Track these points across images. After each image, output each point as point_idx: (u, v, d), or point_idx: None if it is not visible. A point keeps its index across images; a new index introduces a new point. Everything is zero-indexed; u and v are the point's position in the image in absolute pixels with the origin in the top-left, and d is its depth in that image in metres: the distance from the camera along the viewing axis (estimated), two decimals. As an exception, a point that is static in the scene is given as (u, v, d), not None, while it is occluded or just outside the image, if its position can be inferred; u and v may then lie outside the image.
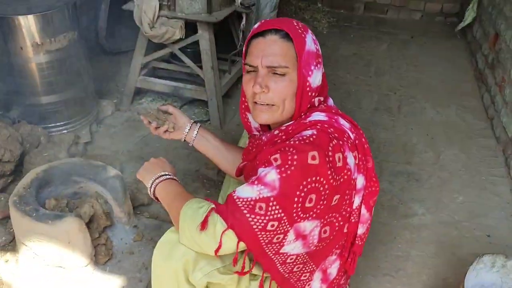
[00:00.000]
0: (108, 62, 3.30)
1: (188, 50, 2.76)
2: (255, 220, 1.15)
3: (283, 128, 1.32)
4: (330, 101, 1.40)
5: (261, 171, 1.19)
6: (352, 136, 1.28)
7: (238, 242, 1.18)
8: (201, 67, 2.68)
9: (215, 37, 2.64)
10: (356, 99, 3.20)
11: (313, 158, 1.16)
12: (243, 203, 1.16)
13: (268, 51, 1.26)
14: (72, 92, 2.41)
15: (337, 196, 1.23)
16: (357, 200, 1.32)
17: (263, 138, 1.40)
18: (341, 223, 1.30)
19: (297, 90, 1.28)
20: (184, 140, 1.62)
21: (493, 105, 2.96)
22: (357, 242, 1.39)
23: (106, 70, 3.21)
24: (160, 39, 2.54)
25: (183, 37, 2.58)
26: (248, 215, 1.15)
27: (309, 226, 1.22)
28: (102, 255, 1.85)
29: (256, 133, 1.51)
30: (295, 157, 1.16)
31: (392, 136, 2.85)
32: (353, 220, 1.34)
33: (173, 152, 2.56)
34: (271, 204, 1.15)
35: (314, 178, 1.16)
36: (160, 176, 1.45)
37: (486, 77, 3.20)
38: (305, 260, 1.31)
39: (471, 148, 2.76)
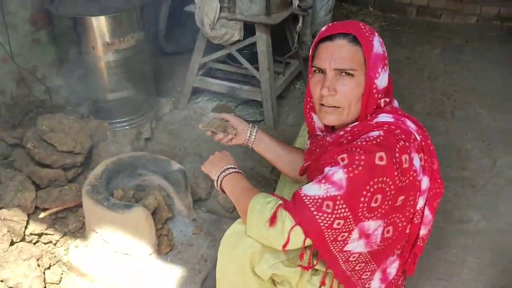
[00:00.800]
0: (166, 63, 3.43)
1: (245, 51, 2.83)
2: (322, 218, 1.19)
3: (348, 129, 1.35)
4: (395, 103, 1.42)
5: (328, 170, 1.23)
6: (418, 137, 1.30)
7: (305, 239, 1.22)
8: (257, 68, 2.75)
9: (271, 38, 2.70)
10: (409, 103, 3.18)
11: (381, 159, 1.18)
12: (311, 200, 1.20)
13: (336, 55, 1.30)
14: (136, 90, 2.53)
15: (402, 197, 1.25)
16: (421, 202, 1.33)
17: (327, 138, 1.43)
18: (404, 223, 1.32)
19: (364, 92, 1.31)
20: (243, 144, 1.69)
21: (554, 113, 2.88)
22: (418, 243, 1.40)
23: (164, 70, 3.34)
24: (220, 40, 2.63)
25: (241, 39, 2.66)
26: (315, 212, 1.19)
27: (373, 226, 1.25)
28: (164, 245, 1.94)
29: (320, 133, 1.54)
30: (363, 157, 1.19)
31: (446, 141, 2.82)
32: (416, 221, 1.35)
33: (229, 150, 2.60)
34: (338, 202, 1.18)
35: (381, 179, 1.18)
36: (226, 169, 1.51)
37: (547, 83, 3.11)
38: (367, 259, 1.34)
39: (530, 156, 2.70)
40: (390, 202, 1.23)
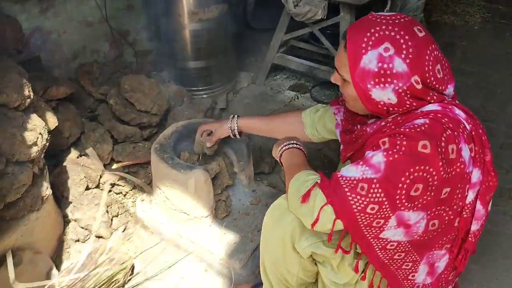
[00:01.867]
0: (250, 38, 3.48)
1: (328, 31, 2.79)
2: (356, 199, 1.15)
3: (389, 119, 1.28)
4: (449, 90, 1.28)
5: (368, 153, 1.19)
6: (468, 127, 1.21)
7: (335, 219, 1.19)
8: (338, 50, 2.70)
9: (355, 18, 2.63)
10: (501, 101, 2.94)
11: (424, 147, 1.12)
12: (346, 181, 1.17)
13: (337, 55, 1.28)
14: (216, 61, 2.62)
15: (447, 189, 1.18)
16: (470, 195, 1.24)
17: (368, 129, 1.36)
18: (452, 217, 1.24)
19: (359, 98, 1.25)
20: (231, 134, 1.85)
21: None
22: (469, 238, 1.31)
23: (247, 44, 3.40)
24: (302, 18, 2.61)
25: (324, 18, 2.62)
26: (348, 193, 1.16)
27: (414, 217, 1.19)
28: (221, 211, 2.01)
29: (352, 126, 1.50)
30: (404, 142, 1.13)
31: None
32: (465, 215, 1.26)
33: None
34: (373, 186, 1.14)
35: (423, 167, 1.12)
36: (289, 143, 1.53)
37: None
38: (407, 249, 1.28)
39: None
40: (433, 194, 1.16)
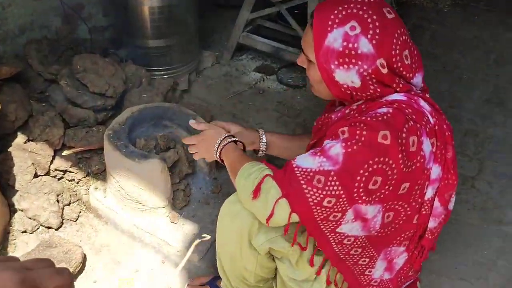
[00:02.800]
0: (216, 15, 3.33)
1: (296, 11, 2.68)
2: (312, 192, 1.10)
3: (354, 107, 1.24)
4: (417, 79, 1.23)
5: (327, 143, 1.14)
6: (432, 120, 1.17)
7: (290, 213, 1.14)
8: (305, 31, 2.60)
9: (325, 1, 2.53)
10: (468, 87, 2.92)
11: (384, 137, 1.07)
12: (302, 173, 1.11)
13: (304, 35, 1.24)
14: (178, 39, 2.48)
15: (406, 184, 1.14)
16: (430, 191, 1.21)
17: (333, 116, 1.33)
18: (409, 213, 1.21)
19: (323, 80, 1.20)
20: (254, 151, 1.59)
21: None
22: (426, 235, 1.28)
23: (213, 22, 3.25)
24: (269, -4, 2.49)
25: (293, -3, 2.52)
26: (304, 186, 1.10)
27: (371, 211, 1.15)
28: (179, 200, 1.93)
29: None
30: (364, 132, 1.08)
31: (501, 134, 2.58)
32: (424, 212, 1.23)
33: (264, 112, 2.56)
34: (330, 178, 1.09)
35: (382, 159, 1.08)
36: (224, 140, 1.42)
37: None
38: (364, 244, 1.24)
39: None
40: (391, 188, 1.12)
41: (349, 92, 1.19)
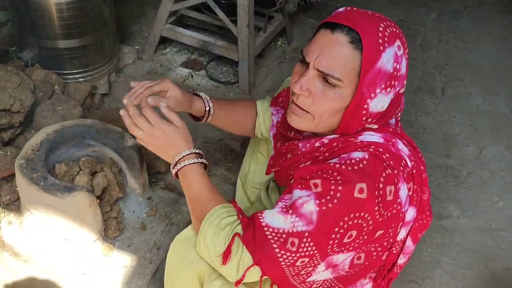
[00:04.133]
0: (133, 1, 3.01)
1: (223, 1, 2.48)
2: (285, 256, 1.01)
3: (325, 141, 1.13)
4: (392, 121, 1.19)
5: (297, 196, 1.02)
6: (410, 164, 1.09)
7: (261, 277, 1.05)
8: (235, 22, 2.41)
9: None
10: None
11: (361, 191, 0.99)
12: (273, 234, 1.01)
13: (327, 53, 1.02)
14: (93, 38, 2.17)
15: (380, 232, 1.08)
16: (403, 232, 1.16)
17: (300, 145, 1.19)
18: (380, 253, 1.16)
19: (348, 110, 1.06)
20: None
21: (548, 101, 2.70)
22: (395, 269, 1.26)
23: (130, 10, 2.94)
24: (194, -13, 2.26)
25: (220, -13, 2.30)
26: (277, 250, 1.01)
27: (342, 257, 1.10)
28: (112, 230, 1.71)
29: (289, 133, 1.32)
30: (340, 188, 0.98)
31: (433, 123, 2.61)
32: (394, 251, 1.19)
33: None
34: (305, 240, 1.00)
35: (358, 214, 1.00)
36: (187, 155, 1.18)
37: (544, 66, 2.90)
38: (333, 284, 1.19)
39: (517, 146, 2.54)
40: (365, 237, 1.06)
41: (364, 123, 1.09)
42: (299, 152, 1.19)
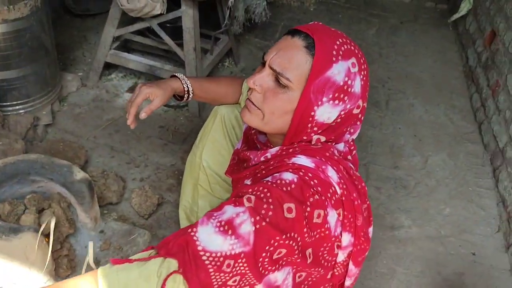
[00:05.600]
0: (74, 26, 2.94)
1: (168, 25, 2.46)
2: (218, 277, 1.01)
3: (268, 155, 1.19)
4: (339, 146, 1.20)
5: (232, 212, 1.01)
6: (339, 191, 1.12)
7: None
8: (181, 46, 2.40)
9: (199, 10, 2.35)
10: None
11: (289, 210, 1.02)
12: (211, 260, 0.99)
13: (283, 53, 1.09)
14: (33, 67, 2.09)
15: (309, 250, 1.11)
16: (341, 256, 1.19)
17: (252, 156, 1.25)
18: (322, 272, 1.19)
19: (296, 112, 1.11)
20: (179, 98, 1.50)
21: (483, 109, 2.85)
22: None
23: (71, 35, 2.86)
24: (138, 13, 2.23)
25: (164, 12, 2.29)
26: (213, 274, 0.99)
27: (281, 276, 1.11)
28: (63, 269, 1.64)
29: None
30: (271, 206, 1.01)
31: (380, 135, 2.70)
32: (337, 273, 1.23)
33: (146, 141, 2.31)
34: (240, 260, 1.01)
35: (288, 235, 1.03)
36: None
37: (478, 76, 3.07)
38: None
39: (458, 154, 2.66)
40: (296, 255, 1.09)
41: (311, 136, 1.14)
42: (250, 163, 1.25)
